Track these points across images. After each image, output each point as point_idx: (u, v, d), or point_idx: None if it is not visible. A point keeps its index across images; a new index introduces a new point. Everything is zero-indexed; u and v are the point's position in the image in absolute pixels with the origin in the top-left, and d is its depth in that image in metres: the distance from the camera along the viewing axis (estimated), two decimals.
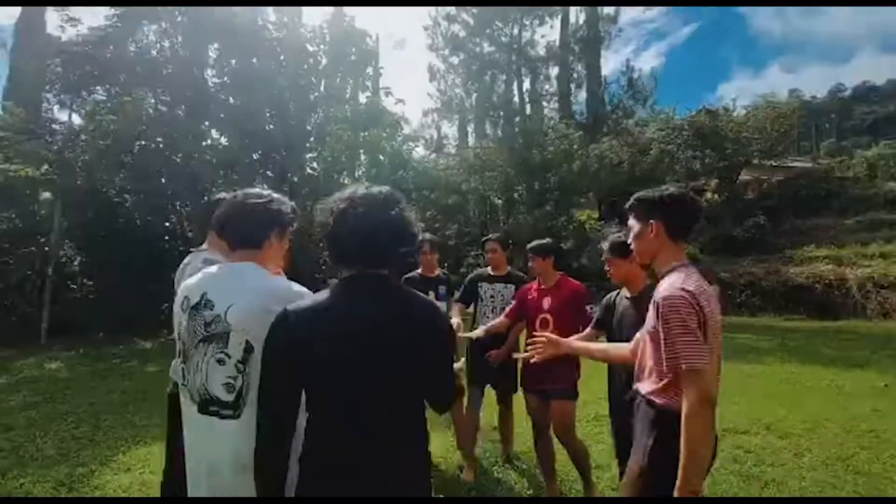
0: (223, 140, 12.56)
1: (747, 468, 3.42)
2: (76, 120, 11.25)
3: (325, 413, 1.16)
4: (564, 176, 17.56)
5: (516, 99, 26.87)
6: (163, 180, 10.37)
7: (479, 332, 3.07)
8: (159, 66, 10.94)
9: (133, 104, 9.66)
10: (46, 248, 9.06)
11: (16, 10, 15.77)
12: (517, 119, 24.40)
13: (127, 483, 3.20)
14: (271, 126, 12.45)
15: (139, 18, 11.10)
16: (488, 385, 3.45)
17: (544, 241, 3.10)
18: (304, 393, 1.17)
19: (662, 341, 1.42)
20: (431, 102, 18.90)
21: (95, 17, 12.44)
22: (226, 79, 11.80)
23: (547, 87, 27.21)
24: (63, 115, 11.75)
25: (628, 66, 24.49)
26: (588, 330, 2.54)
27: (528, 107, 26.38)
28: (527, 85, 27.17)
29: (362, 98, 16.94)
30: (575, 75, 25.96)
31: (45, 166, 9.02)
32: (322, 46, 14.30)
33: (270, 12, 13.94)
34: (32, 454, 3.64)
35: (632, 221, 1.67)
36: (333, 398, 1.14)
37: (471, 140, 27.61)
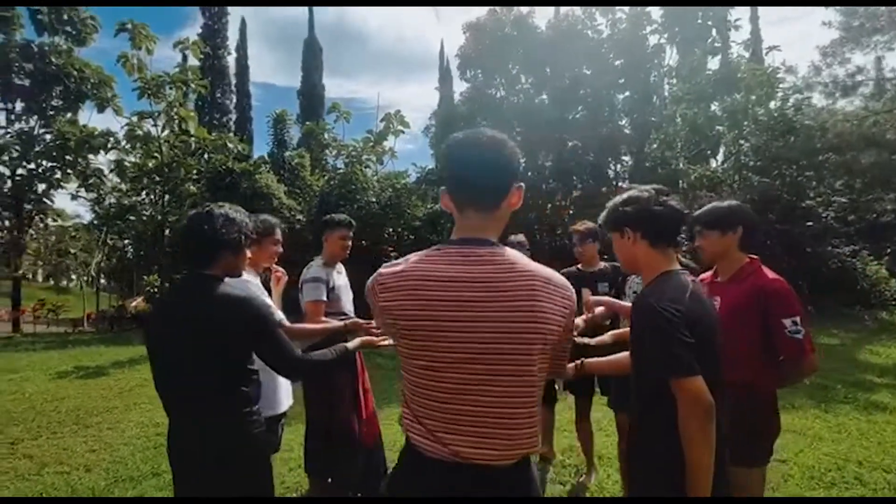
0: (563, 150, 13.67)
1: None
2: None
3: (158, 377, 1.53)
4: None
5: None
6: None
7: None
8: (505, 106, 13.19)
9: None
10: None
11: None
12: None
13: None
14: (603, 129, 12.58)
15: (493, 76, 13.75)
16: None
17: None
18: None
19: None
20: (832, 33, 13.23)
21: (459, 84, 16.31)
22: (545, 96, 12.90)
23: None
24: None
25: None
26: None
27: None
28: None
29: (715, 63, 14.41)
30: None
31: None
32: (652, 25, 13.23)
33: (598, 16, 14.09)
34: None
35: None
36: (159, 368, 1.51)
37: None
